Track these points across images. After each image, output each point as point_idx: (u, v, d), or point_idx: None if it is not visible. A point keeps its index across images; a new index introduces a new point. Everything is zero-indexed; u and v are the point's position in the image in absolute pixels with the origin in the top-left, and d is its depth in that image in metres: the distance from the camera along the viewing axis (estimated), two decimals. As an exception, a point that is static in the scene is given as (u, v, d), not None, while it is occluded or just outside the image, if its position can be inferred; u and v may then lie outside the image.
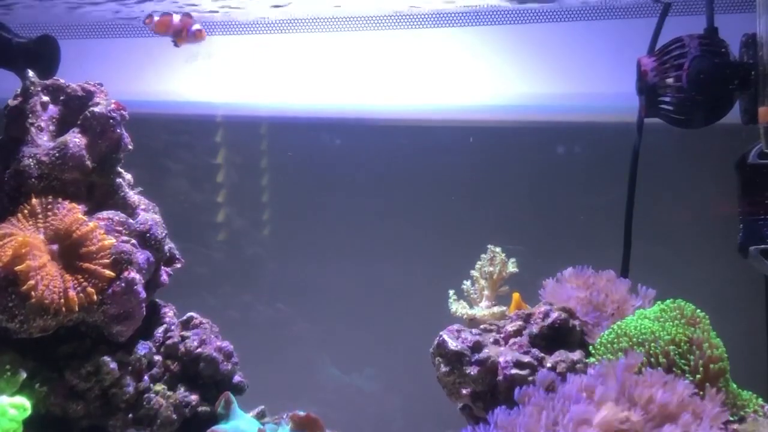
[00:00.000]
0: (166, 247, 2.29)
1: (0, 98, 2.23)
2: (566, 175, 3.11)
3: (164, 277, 2.29)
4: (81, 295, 2.00)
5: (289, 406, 2.15)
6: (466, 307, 2.23)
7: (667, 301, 1.98)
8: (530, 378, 1.93)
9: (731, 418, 1.73)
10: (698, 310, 1.94)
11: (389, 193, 3.34)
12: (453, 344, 2.01)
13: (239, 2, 2.77)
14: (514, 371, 1.96)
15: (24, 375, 2.00)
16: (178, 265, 2.35)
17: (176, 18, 2.39)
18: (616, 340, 1.87)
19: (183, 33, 2.38)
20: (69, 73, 2.28)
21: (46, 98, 2.20)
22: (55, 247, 2.04)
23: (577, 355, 1.98)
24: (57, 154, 2.11)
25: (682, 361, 1.78)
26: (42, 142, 2.14)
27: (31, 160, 2.10)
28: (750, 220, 2.04)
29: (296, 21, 3.13)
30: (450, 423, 2.04)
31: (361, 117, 3.32)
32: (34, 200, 2.08)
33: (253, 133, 3.54)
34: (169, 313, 2.30)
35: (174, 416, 2.14)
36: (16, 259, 1.96)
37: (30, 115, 2.15)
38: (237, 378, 2.28)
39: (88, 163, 2.14)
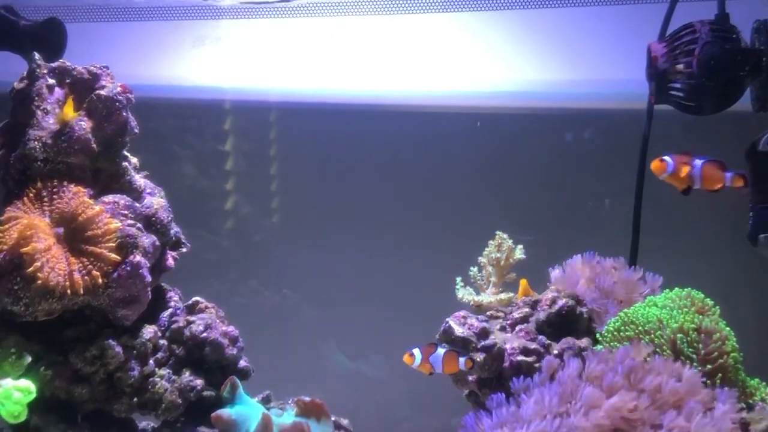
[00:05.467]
0: (172, 232, 2.28)
1: (6, 81, 2.21)
2: (575, 162, 3.10)
3: (170, 262, 2.28)
4: (86, 278, 2.00)
5: (295, 391, 2.15)
6: (473, 293, 2.22)
7: (676, 289, 1.97)
8: (537, 365, 1.93)
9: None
10: (707, 299, 1.93)
11: (397, 179, 3.33)
12: (459, 330, 2.01)
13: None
14: (520, 358, 1.95)
15: (29, 359, 2.00)
16: (184, 250, 2.34)
17: None
18: (623, 327, 1.86)
19: None
20: (75, 56, 2.27)
21: (52, 81, 2.19)
22: (60, 230, 2.04)
23: (584, 342, 1.97)
24: (63, 138, 2.10)
25: (690, 349, 1.77)
26: (48, 125, 2.13)
27: (36, 143, 2.09)
28: (760, 208, 2.02)
29: (306, 5, 3.12)
30: (456, 410, 2.03)
31: (369, 103, 3.31)
32: (39, 184, 2.08)
33: (261, 118, 3.53)
34: (174, 297, 2.30)
35: (179, 400, 2.14)
36: (22, 242, 1.96)
37: (36, 98, 2.14)
38: (242, 363, 2.27)
39: (94, 146, 2.14)
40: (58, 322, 2.06)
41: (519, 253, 2.23)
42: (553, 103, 3.05)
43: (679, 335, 1.78)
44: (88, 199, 2.08)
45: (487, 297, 2.20)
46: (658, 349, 1.78)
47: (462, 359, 1.93)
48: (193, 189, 3.60)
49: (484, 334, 2.01)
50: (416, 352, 1.93)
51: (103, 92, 2.16)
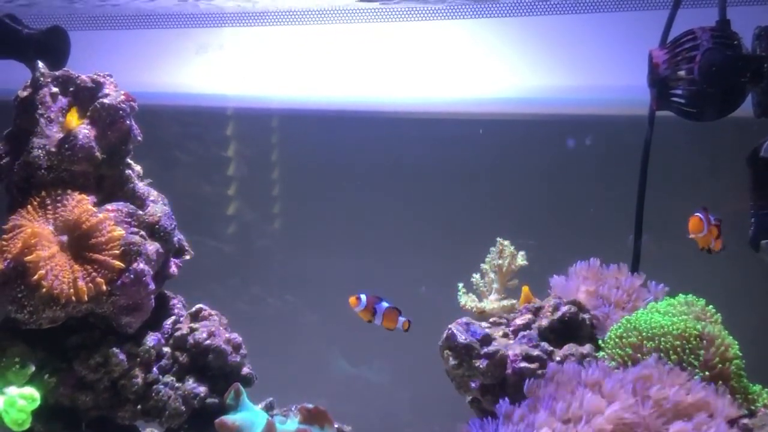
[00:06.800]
0: (175, 239, 2.28)
1: (10, 89, 2.22)
2: (577, 169, 3.10)
3: (173, 269, 2.29)
4: (90, 285, 2.00)
5: (298, 398, 2.15)
6: (476, 300, 2.23)
7: (679, 295, 1.97)
8: (539, 371, 1.93)
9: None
10: (709, 306, 1.93)
11: (399, 186, 3.33)
12: (462, 337, 2.01)
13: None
14: (523, 365, 1.95)
15: (33, 368, 2.01)
16: (187, 257, 2.35)
17: None
18: (625, 334, 1.86)
19: None
20: (78, 64, 2.28)
21: (55, 89, 2.20)
22: (64, 238, 2.04)
23: (586, 348, 1.97)
24: (66, 146, 2.11)
25: (692, 356, 1.78)
26: (51, 133, 2.14)
27: (40, 151, 2.10)
28: (762, 214, 2.02)
29: (308, 12, 3.12)
30: (459, 416, 2.04)
31: (371, 109, 3.31)
32: (43, 192, 2.08)
33: (263, 125, 3.53)
34: (177, 304, 2.30)
35: (183, 408, 2.14)
36: (26, 250, 1.96)
37: (40, 107, 2.15)
38: (245, 370, 2.27)
39: (98, 154, 2.14)
40: (62, 329, 2.07)
41: (521, 259, 2.24)
42: (555, 110, 3.06)
43: (681, 342, 1.79)
44: (92, 207, 2.08)
45: (490, 303, 2.20)
46: (662, 355, 1.78)
47: (402, 319, 1.98)
48: (195, 195, 3.61)
49: (486, 340, 2.01)
50: (363, 297, 1.97)
51: (106, 100, 2.17)
